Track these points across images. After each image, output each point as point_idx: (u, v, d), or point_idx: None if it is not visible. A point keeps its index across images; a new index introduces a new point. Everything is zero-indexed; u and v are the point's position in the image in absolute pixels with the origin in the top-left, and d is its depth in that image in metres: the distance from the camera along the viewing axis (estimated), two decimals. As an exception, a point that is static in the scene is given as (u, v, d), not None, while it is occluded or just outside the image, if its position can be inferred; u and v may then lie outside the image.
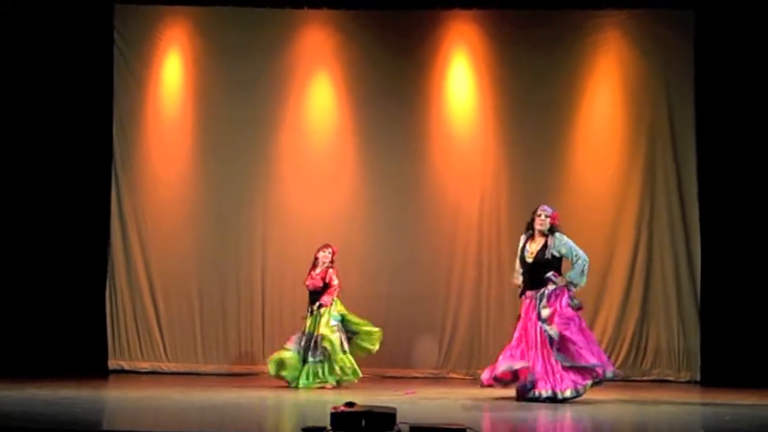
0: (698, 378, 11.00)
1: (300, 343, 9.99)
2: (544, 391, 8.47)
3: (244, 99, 11.56)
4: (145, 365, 11.35)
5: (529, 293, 8.83)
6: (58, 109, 11.32)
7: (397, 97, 11.57)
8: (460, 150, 11.63)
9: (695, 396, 9.83)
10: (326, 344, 9.91)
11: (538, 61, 11.47)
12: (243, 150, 11.57)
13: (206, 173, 11.61)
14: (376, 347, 10.20)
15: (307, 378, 9.89)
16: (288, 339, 10.14)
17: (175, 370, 11.31)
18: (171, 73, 11.72)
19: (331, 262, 10.18)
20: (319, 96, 11.73)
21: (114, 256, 11.42)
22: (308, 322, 10.04)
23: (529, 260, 8.85)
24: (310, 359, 9.92)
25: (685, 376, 11.09)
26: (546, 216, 8.87)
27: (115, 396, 9.17)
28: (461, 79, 11.70)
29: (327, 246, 10.23)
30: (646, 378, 11.09)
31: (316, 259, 10.23)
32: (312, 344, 9.94)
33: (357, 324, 10.16)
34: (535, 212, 8.96)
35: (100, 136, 11.44)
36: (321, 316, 10.02)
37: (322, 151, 11.70)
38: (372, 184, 11.60)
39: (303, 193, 11.60)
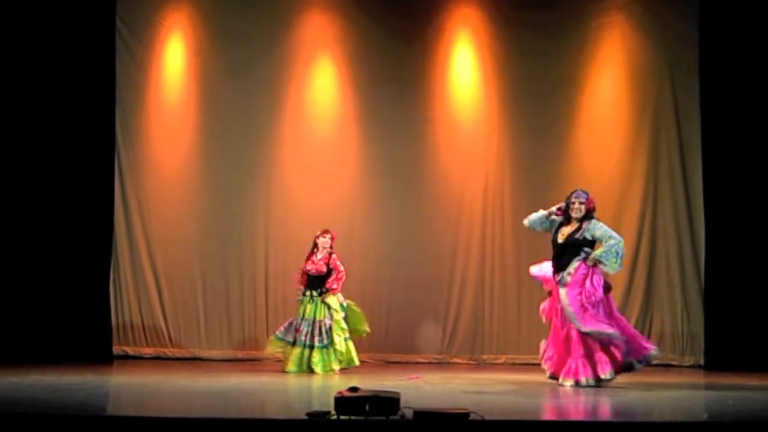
0: (702, 362, 11.02)
1: (296, 331, 9.93)
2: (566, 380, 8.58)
3: (246, 85, 11.53)
4: (149, 351, 11.36)
5: (556, 276, 8.69)
6: (60, 96, 11.27)
7: (400, 83, 11.54)
8: (463, 135, 11.61)
9: (699, 380, 9.82)
10: (338, 332, 9.87)
11: (541, 46, 11.46)
12: (245, 136, 11.55)
13: (208, 159, 11.59)
14: (368, 328, 10.18)
15: (324, 364, 9.80)
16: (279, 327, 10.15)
17: (179, 355, 11.31)
18: (173, 59, 11.68)
19: (330, 248, 10.13)
20: (322, 81, 11.69)
21: (117, 241, 11.41)
22: (308, 307, 9.97)
23: (560, 241, 8.71)
24: (317, 344, 9.85)
25: (688, 360, 11.11)
26: (580, 203, 8.73)
27: (119, 381, 9.16)
28: (464, 64, 11.67)
29: (327, 232, 10.17)
30: (650, 362, 11.12)
31: (315, 244, 10.17)
32: (318, 330, 9.88)
33: (353, 310, 10.14)
34: (569, 199, 8.79)
35: (103, 123, 11.40)
36: (328, 302, 9.98)
37: (324, 136, 11.68)
38: (375, 170, 11.58)
39: (305, 178, 11.58)
